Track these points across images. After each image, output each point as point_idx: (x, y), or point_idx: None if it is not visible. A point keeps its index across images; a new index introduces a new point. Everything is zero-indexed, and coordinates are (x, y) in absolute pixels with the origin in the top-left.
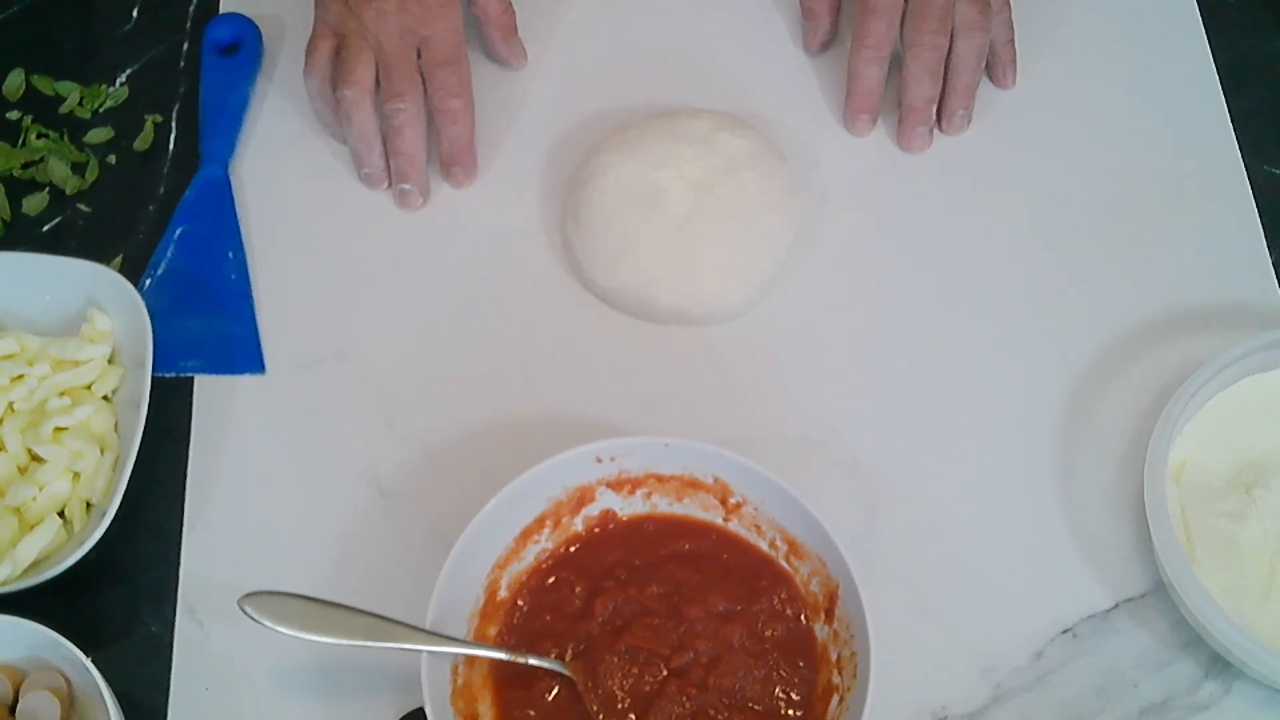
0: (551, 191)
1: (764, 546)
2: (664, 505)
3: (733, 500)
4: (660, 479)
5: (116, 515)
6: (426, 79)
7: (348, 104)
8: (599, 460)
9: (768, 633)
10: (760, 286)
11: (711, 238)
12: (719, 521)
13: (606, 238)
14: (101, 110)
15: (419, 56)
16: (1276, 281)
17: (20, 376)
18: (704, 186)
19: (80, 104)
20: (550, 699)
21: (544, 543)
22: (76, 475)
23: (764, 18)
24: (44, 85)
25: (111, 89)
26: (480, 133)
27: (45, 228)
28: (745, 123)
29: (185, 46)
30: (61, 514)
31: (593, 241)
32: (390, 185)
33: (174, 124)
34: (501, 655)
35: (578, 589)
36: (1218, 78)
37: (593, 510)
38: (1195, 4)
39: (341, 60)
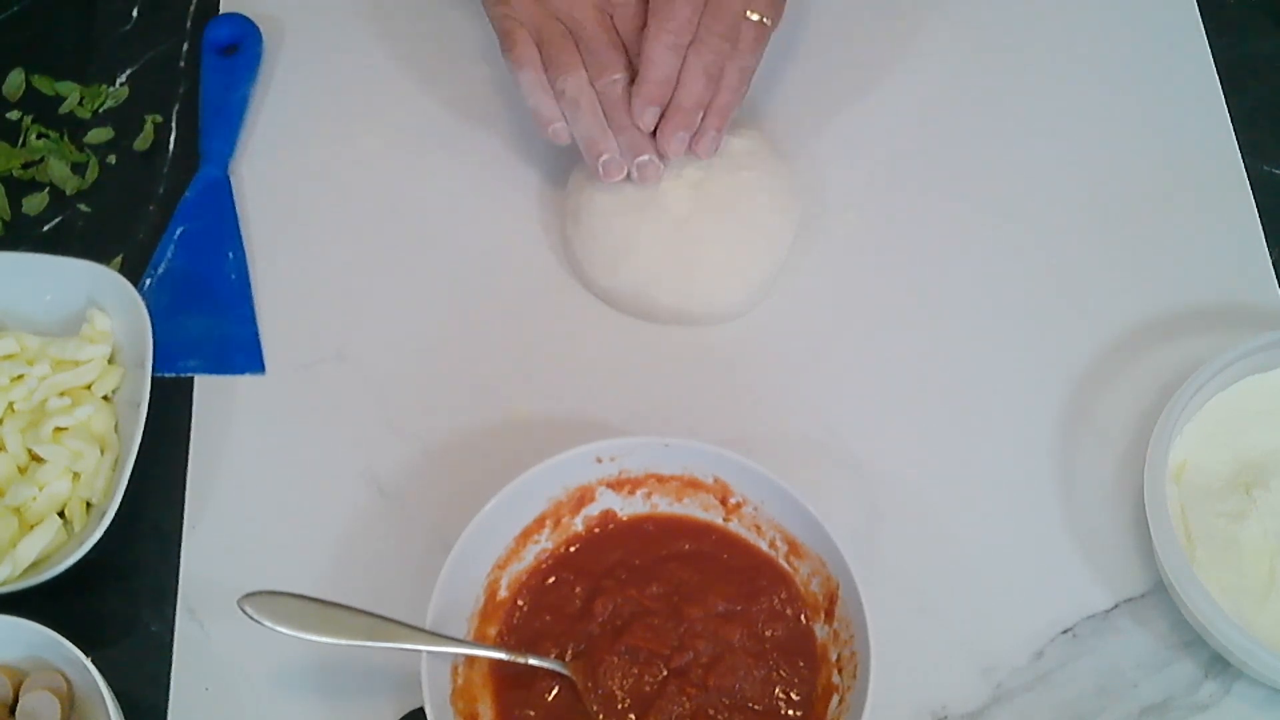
0: (552, 192)
1: (764, 546)
2: (664, 505)
3: (733, 500)
4: (660, 479)
5: (116, 515)
6: (631, 47)
7: (574, 93)
8: (599, 460)
9: (768, 633)
10: (761, 286)
11: (712, 238)
12: (719, 521)
13: (607, 238)
14: (101, 110)
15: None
16: (1276, 281)
17: (20, 376)
18: (704, 187)
19: (80, 104)
20: (550, 699)
21: (544, 543)
22: (76, 475)
23: None
24: (44, 85)
25: (111, 89)
26: (482, 133)
27: (45, 228)
28: (745, 122)
29: (185, 46)
30: (61, 514)
31: (592, 242)
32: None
33: (174, 124)
34: (501, 655)
35: (578, 589)
36: (1218, 78)
37: (593, 510)
38: (1195, 4)
39: (551, 53)
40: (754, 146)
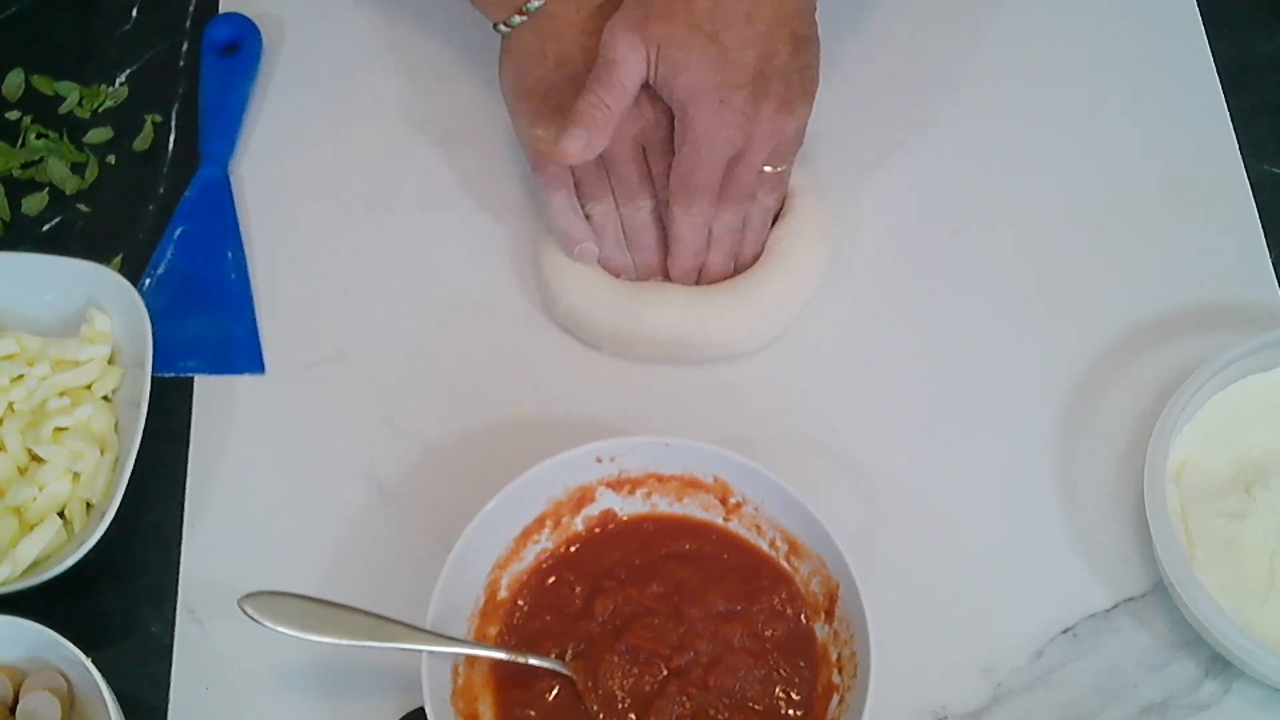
0: None
1: (764, 546)
2: (664, 505)
3: (733, 500)
4: (660, 479)
5: (116, 515)
6: (658, 179)
7: (600, 219)
8: (599, 460)
9: (768, 633)
10: (780, 330)
11: (731, 287)
12: (719, 521)
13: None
14: (101, 110)
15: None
16: (1276, 281)
17: (20, 376)
18: None
19: (80, 104)
20: (550, 699)
21: (544, 542)
22: (76, 475)
23: None
24: (44, 85)
25: (111, 89)
26: (483, 132)
27: (45, 228)
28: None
29: (185, 46)
30: (61, 514)
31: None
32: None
33: (174, 124)
34: (501, 655)
35: (578, 589)
36: (1218, 78)
37: (593, 510)
38: (1195, 4)
39: (581, 178)
40: (801, 185)
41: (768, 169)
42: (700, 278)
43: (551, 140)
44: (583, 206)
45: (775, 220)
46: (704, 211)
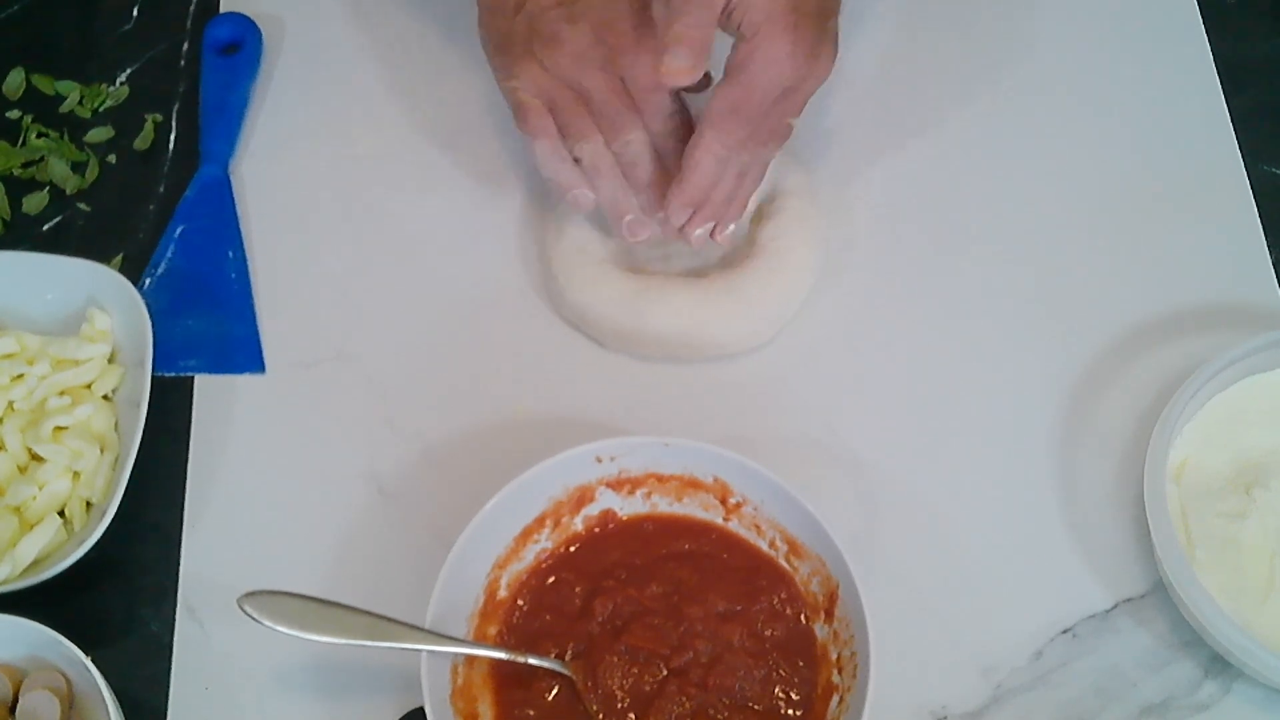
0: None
1: (764, 546)
2: (664, 505)
3: (733, 500)
4: (660, 479)
5: (116, 515)
6: (642, 106)
7: (592, 158)
8: (599, 460)
9: (768, 632)
10: (777, 329)
11: (729, 286)
12: (719, 521)
13: (591, 253)
14: (101, 109)
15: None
16: (1276, 281)
17: (20, 376)
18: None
19: (80, 103)
20: (550, 699)
21: (544, 542)
22: (76, 474)
23: None
24: (44, 84)
25: (111, 88)
26: (483, 131)
27: (45, 227)
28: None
29: (185, 46)
30: (61, 513)
31: (576, 256)
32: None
33: (174, 123)
34: (501, 655)
35: (578, 589)
36: (1218, 78)
37: (593, 510)
38: (1195, 4)
39: (564, 120)
40: (794, 186)
41: (792, 121)
42: (695, 217)
43: (526, 89)
44: (572, 150)
45: (769, 219)
46: (734, 143)
